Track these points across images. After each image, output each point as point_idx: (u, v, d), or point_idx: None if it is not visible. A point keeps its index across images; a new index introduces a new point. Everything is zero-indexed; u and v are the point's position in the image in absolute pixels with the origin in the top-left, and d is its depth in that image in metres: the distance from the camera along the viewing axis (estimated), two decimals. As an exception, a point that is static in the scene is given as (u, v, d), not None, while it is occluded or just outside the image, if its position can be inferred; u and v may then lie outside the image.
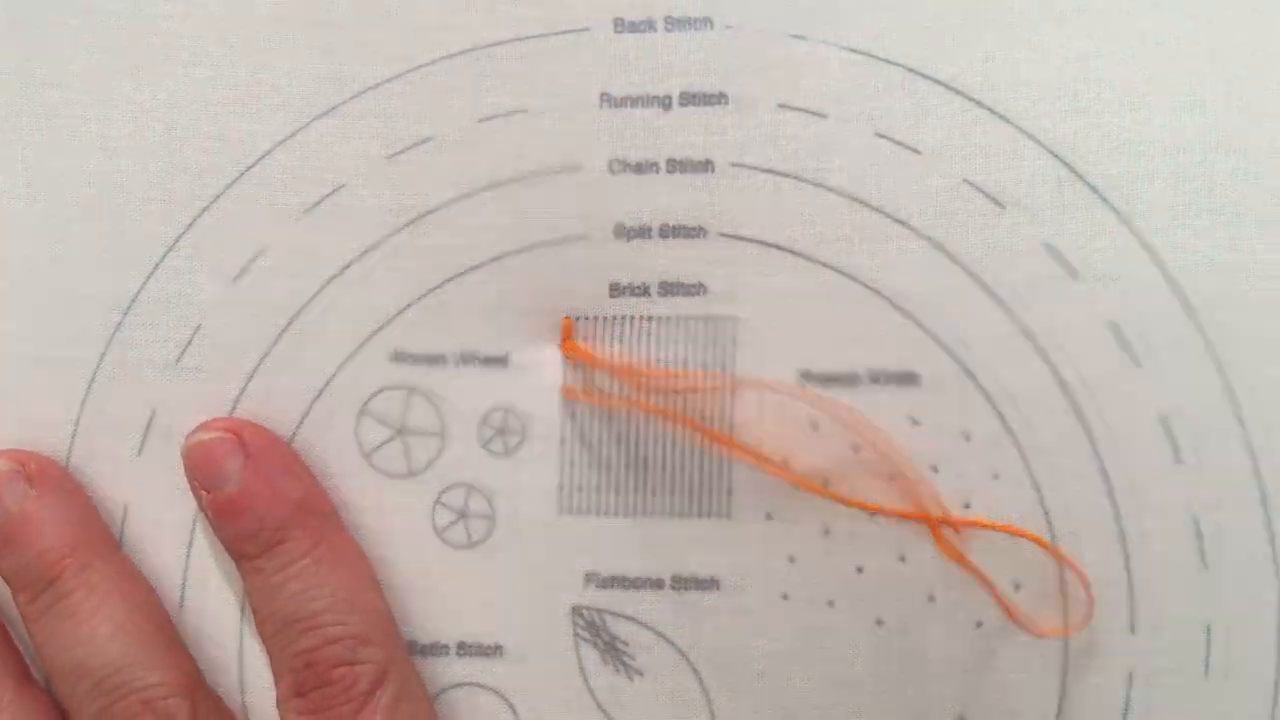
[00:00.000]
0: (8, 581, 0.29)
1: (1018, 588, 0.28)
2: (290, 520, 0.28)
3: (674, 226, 0.29)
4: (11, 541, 0.29)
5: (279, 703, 0.28)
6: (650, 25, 0.29)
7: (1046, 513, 0.28)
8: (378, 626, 0.28)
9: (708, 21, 0.29)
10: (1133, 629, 0.28)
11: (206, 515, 0.29)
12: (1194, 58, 0.28)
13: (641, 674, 0.29)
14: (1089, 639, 0.28)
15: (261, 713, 0.30)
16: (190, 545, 0.30)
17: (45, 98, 0.29)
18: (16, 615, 0.29)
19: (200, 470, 0.29)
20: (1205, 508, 0.28)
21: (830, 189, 0.28)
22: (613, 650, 0.29)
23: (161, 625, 0.29)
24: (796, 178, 0.28)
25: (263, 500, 0.28)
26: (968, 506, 0.29)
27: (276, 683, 0.28)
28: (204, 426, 0.29)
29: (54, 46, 0.29)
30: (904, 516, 0.28)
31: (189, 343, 0.29)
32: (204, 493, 0.29)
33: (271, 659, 0.28)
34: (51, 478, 0.29)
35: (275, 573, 0.28)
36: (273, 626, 0.28)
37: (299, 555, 0.28)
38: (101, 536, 0.29)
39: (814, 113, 0.28)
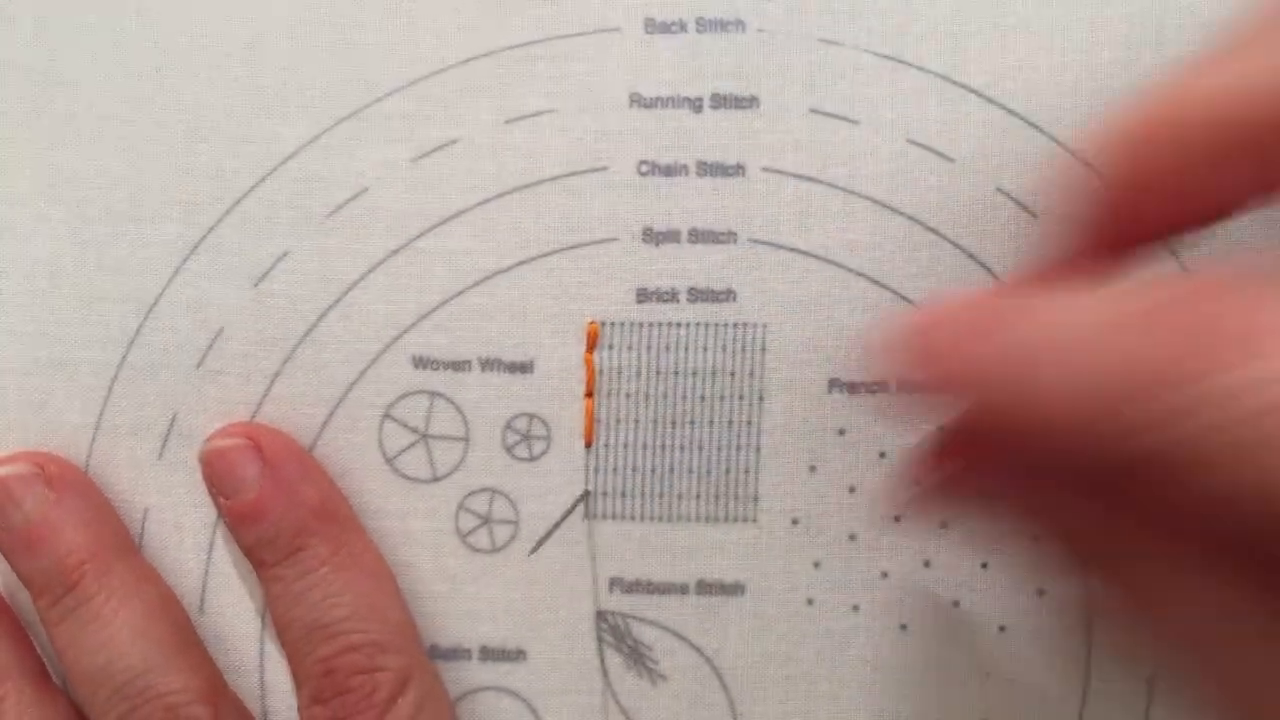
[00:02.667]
0: (28, 585, 0.28)
1: (1041, 593, 0.29)
2: (309, 527, 0.28)
3: (703, 231, 0.29)
4: (32, 545, 0.28)
5: (300, 710, 0.28)
6: (682, 26, 0.28)
7: (1072, 520, 0.28)
8: (398, 633, 0.28)
9: (740, 24, 0.28)
10: (1155, 635, 0.29)
11: (225, 522, 0.29)
12: (1226, 66, 0.28)
13: (665, 678, 0.29)
14: (1112, 643, 0.29)
15: (283, 716, 0.30)
16: (211, 549, 0.29)
17: (69, 98, 0.29)
18: (36, 617, 0.29)
19: (217, 477, 0.28)
20: (1229, 515, 0.28)
21: (862, 195, 0.28)
22: (636, 655, 0.29)
23: (183, 630, 0.29)
24: (828, 184, 0.28)
25: (281, 507, 0.28)
26: (993, 513, 0.29)
27: (297, 690, 0.28)
28: (221, 433, 0.29)
29: (78, 47, 0.29)
30: None
31: (210, 346, 0.29)
32: (222, 499, 0.28)
33: (292, 666, 0.28)
34: (71, 481, 0.29)
35: (294, 580, 0.28)
36: (293, 634, 0.28)
37: (318, 563, 0.28)
38: (121, 540, 0.29)
39: (846, 118, 0.28)
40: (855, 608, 0.29)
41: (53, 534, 0.28)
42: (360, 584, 0.28)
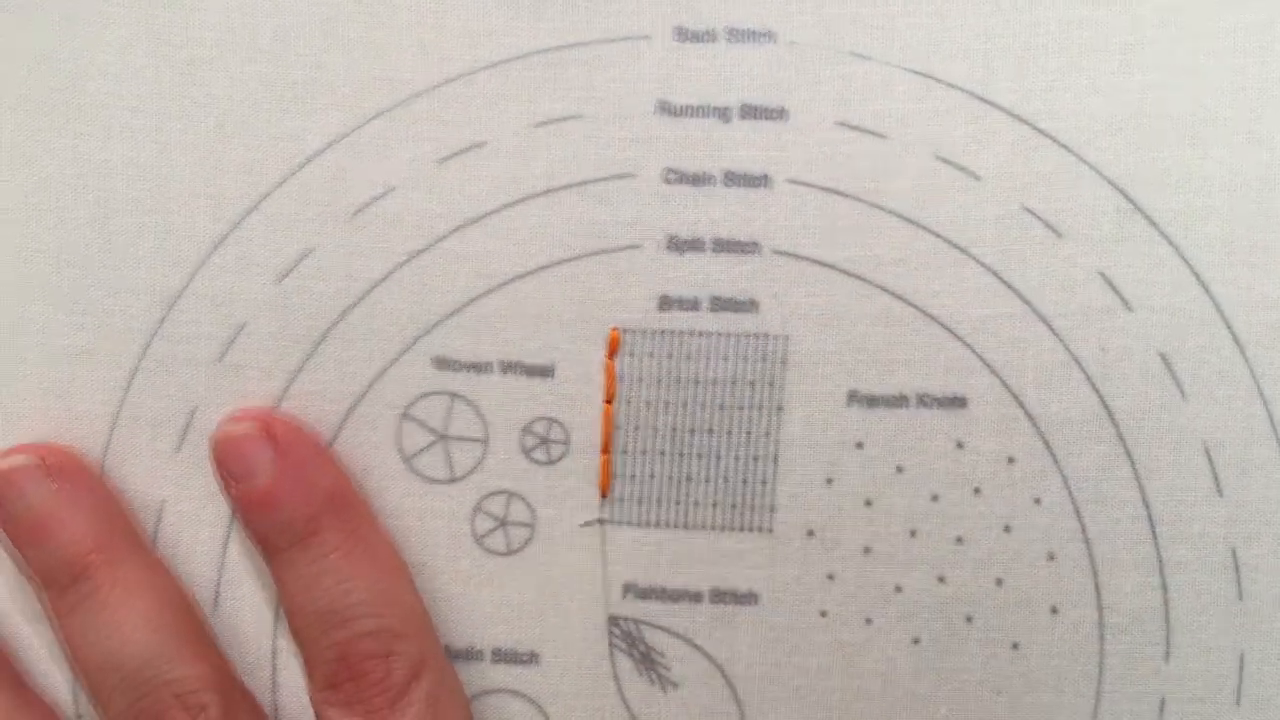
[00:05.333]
0: (35, 576, 0.28)
1: (1054, 611, 0.29)
2: (321, 513, 0.28)
3: (727, 241, 0.29)
4: (38, 536, 0.28)
5: (312, 696, 0.28)
6: (711, 36, 0.28)
7: (1087, 539, 0.29)
8: (412, 620, 0.28)
9: (770, 35, 0.28)
10: (1167, 657, 0.29)
11: (236, 508, 0.28)
12: (1253, 94, 0.28)
13: (676, 686, 0.29)
14: (1124, 665, 0.29)
15: (294, 711, 0.30)
16: (227, 543, 0.29)
17: (98, 89, 0.29)
18: (36, 612, 0.29)
19: (229, 462, 0.28)
20: (1244, 540, 0.28)
21: (888, 210, 0.28)
22: (648, 661, 0.29)
23: (191, 618, 0.29)
24: (854, 197, 0.28)
25: (293, 493, 0.28)
26: (1008, 530, 0.29)
27: (309, 676, 0.28)
28: (233, 418, 0.29)
29: (107, 38, 0.29)
30: None
31: (232, 341, 0.29)
32: (233, 485, 0.28)
33: (304, 652, 0.28)
34: (73, 471, 0.29)
35: (307, 566, 0.28)
36: (304, 620, 0.28)
37: (330, 549, 0.28)
38: (127, 530, 0.29)
39: (874, 133, 0.28)
40: (868, 621, 0.29)
41: (58, 524, 0.28)
42: (373, 571, 0.28)
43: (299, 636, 0.28)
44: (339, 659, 0.27)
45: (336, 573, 0.28)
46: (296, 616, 0.28)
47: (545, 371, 0.29)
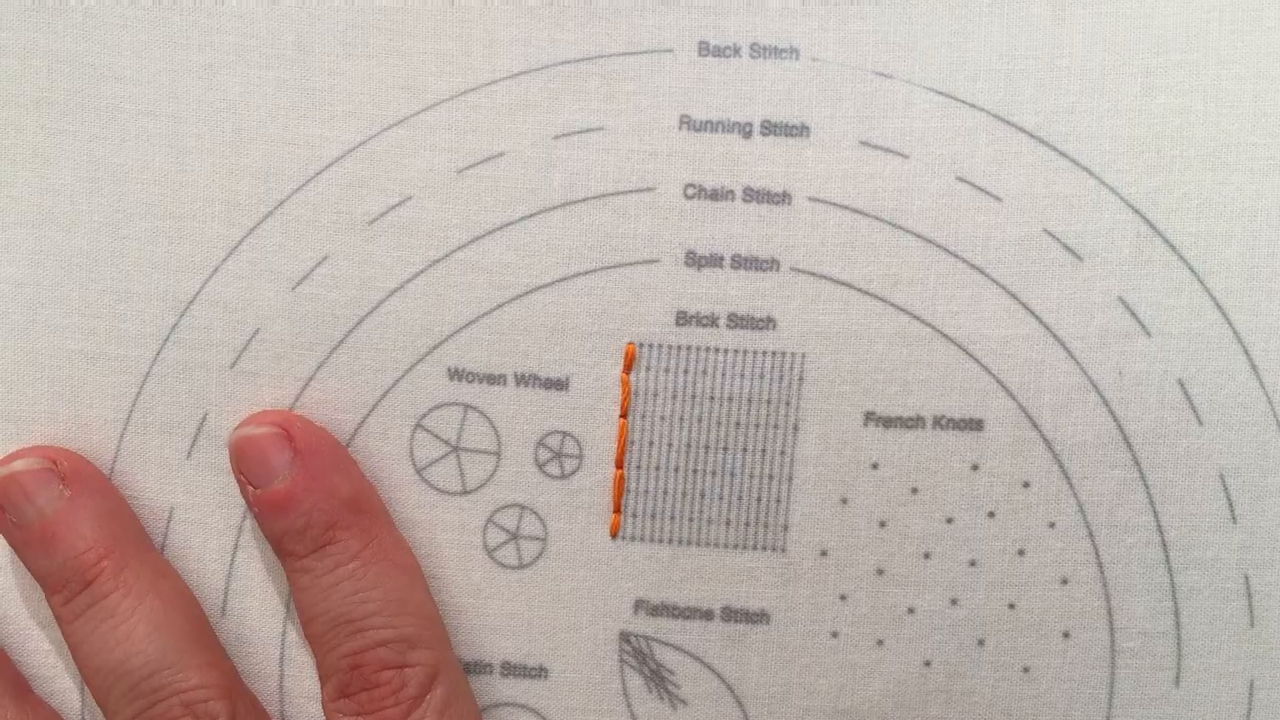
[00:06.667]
0: (41, 582, 0.28)
1: (1066, 636, 0.29)
2: (340, 519, 0.28)
3: (746, 257, 0.28)
4: (47, 542, 0.28)
5: (325, 704, 0.28)
6: (735, 51, 0.28)
7: (1100, 563, 0.28)
8: (427, 629, 0.28)
9: (793, 52, 0.28)
10: (1178, 682, 0.29)
11: (252, 511, 0.28)
12: (1275, 119, 0.28)
13: (686, 703, 0.29)
14: (1135, 689, 0.29)
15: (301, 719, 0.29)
16: (235, 550, 0.29)
17: (114, 92, 0.29)
18: (43, 616, 0.29)
19: (247, 465, 0.28)
20: (1257, 566, 0.28)
21: (908, 230, 0.28)
22: (658, 678, 0.29)
23: (199, 625, 0.28)
24: (874, 216, 0.28)
25: (312, 498, 0.28)
26: (1021, 553, 0.29)
27: (322, 683, 0.28)
28: (252, 420, 0.29)
29: (126, 40, 0.29)
30: None
31: (245, 347, 0.29)
32: (251, 488, 0.28)
33: (317, 659, 0.28)
34: (85, 476, 0.28)
35: (324, 573, 0.28)
36: (320, 627, 0.28)
37: (348, 557, 0.28)
38: (137, 536, 0.29)
39: (896, 152, 0.28)
40: (880, 642, 0.29)
41: (68, 530, 0.28)
42: (390, 578, 0.28)
43: (312, 643, 0.28)
44: (353, 668, 0.27)
45: (353, 580, 0.27)
46: (311, 623, 0.28)
47: (560, 385, 0.29)
